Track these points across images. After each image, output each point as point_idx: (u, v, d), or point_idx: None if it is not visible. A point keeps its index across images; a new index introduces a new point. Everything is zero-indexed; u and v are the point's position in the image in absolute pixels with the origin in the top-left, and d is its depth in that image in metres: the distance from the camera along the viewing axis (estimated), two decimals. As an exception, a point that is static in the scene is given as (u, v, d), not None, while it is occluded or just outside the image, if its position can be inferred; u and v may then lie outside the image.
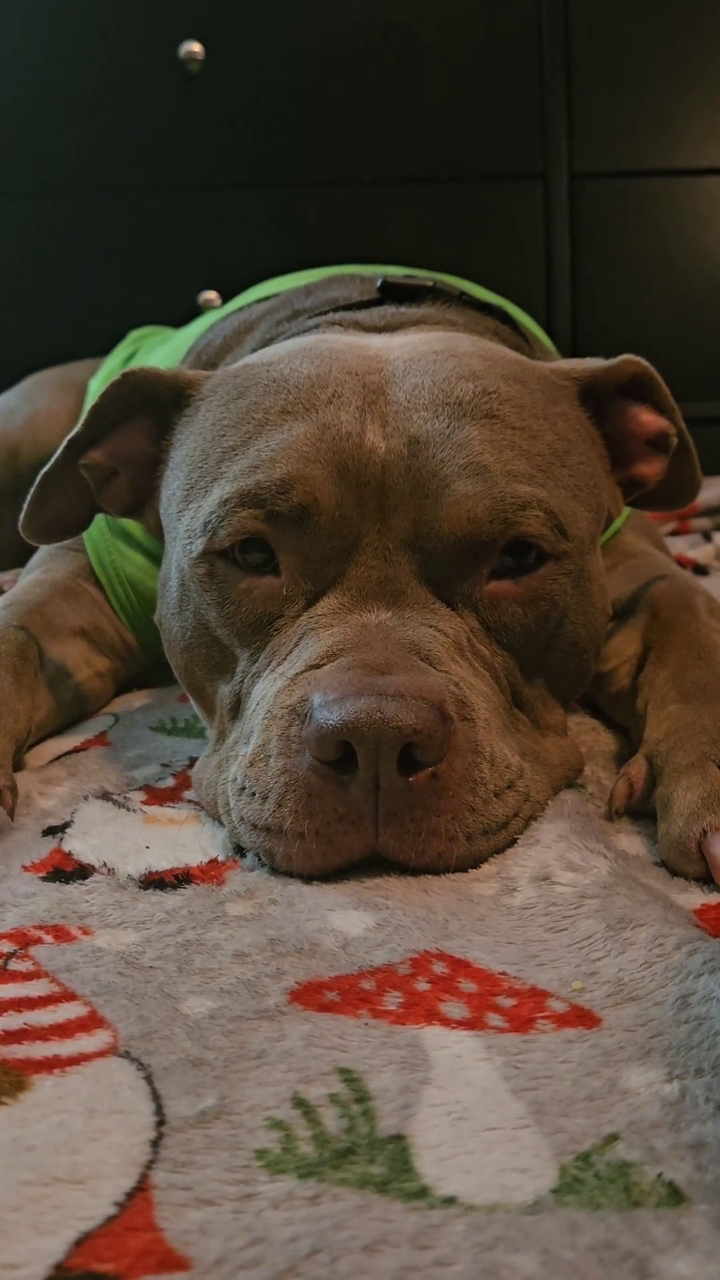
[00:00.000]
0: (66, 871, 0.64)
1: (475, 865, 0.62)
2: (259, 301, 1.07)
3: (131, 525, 0.98)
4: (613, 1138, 0.41)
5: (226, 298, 1.83)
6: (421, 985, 0.51)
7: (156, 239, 2.01)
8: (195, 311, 1.90)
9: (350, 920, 0.57)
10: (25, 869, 0.65)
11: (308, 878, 0.61)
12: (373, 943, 0.55)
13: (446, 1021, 0.49)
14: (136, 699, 1.01)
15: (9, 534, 1.35)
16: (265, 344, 0.95)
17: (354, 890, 0.60)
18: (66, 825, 0.70)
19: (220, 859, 0.65)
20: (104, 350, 1.60)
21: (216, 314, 1.14)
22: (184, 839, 0.68)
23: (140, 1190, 0.39)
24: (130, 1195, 0.39)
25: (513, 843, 0.65)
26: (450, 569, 0.68)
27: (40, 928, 0.58)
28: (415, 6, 2.00)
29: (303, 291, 1.03)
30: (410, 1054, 0.46)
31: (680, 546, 1.55)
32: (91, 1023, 0.49)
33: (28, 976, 0.53)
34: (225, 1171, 0.40)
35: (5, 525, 1.40)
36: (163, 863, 0.65)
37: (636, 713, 0.78)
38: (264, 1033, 0.48)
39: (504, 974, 0.52)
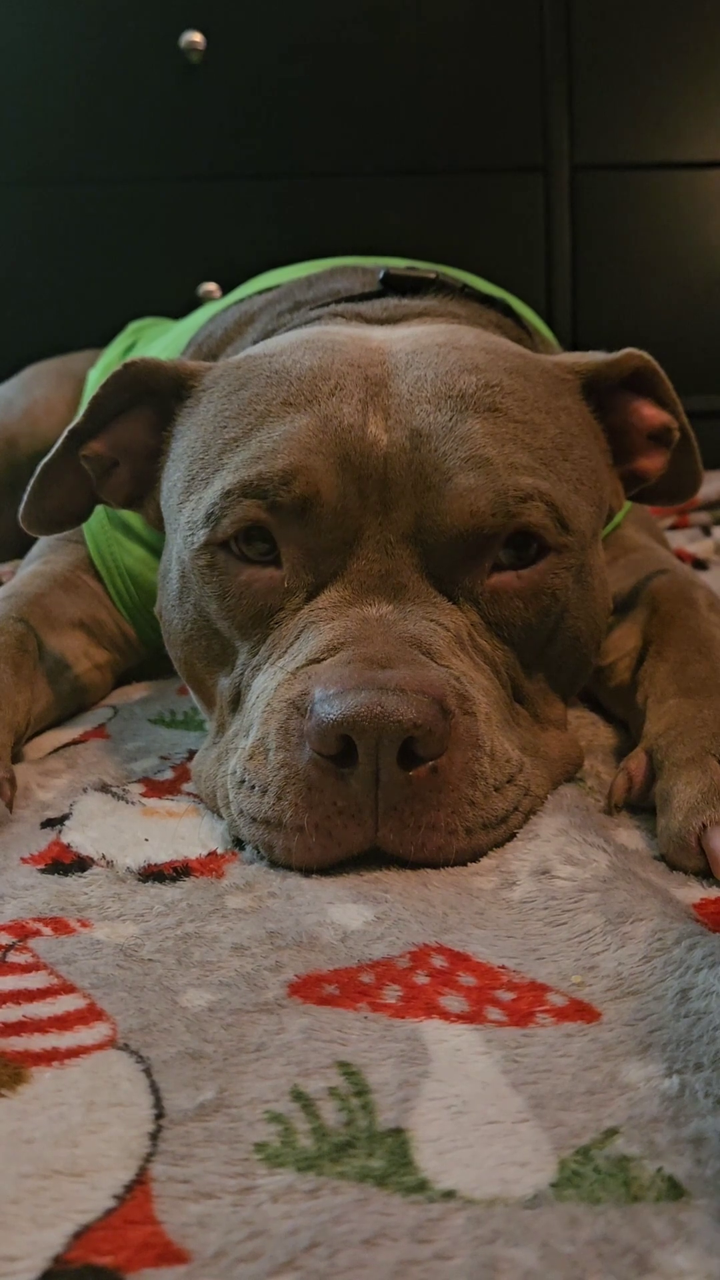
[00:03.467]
0: (65, 864, 0.64)
1: (475, 859, 0.62)
2: (260, 293, 1.07)
3: (131, 517, 0.97)
4: (612, 1132, 0.41)
5: (226, 289, 1.83)
6: (421, 979, 0.51)
7: (156, 230, 2.01)
8: (195, 303, 1.90)
9: (349, 913, 0.57)
10: (24, 861, 0.65)
11: (307, 871, 0.61)
12: (372, 936, 0.55)
13: (446, 1015, 0.49)
14: (135, 691, 1.01)
15: (8, 525, 1.35)
16: (267, 335, 0.95)
17: (353, 883, 0.60)
18: (65, 817, 0.70)
19: (219, 852, 0.65)
20: (103, 341, 1.60)
21: (217, 305, 1.13)
22: (183, 832, 0.68)
23: (139, 1183, 0.39)
24: (129, 1188, 0.39)
25: (512, 837, 0.65)
26: (452, 562, 0.68)
27: (39, 920, 0.58)
28: (417, -3, 1.99)
29: (304, 283, 1.03)
30: (409, 1047, 0.46)
31: (680, 541, 1.55)
32: (90, 1015, 0.49)
33: (26, 969, 0.53)
34: (224, 1164, 0.40)
35: (4, 516, 1.40)
36: (162, 855, 0.65)
37: (636, 707, 0.78)
38: (263, 1026, 0.48)
39: (503, 968, 0.52)
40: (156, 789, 0.75)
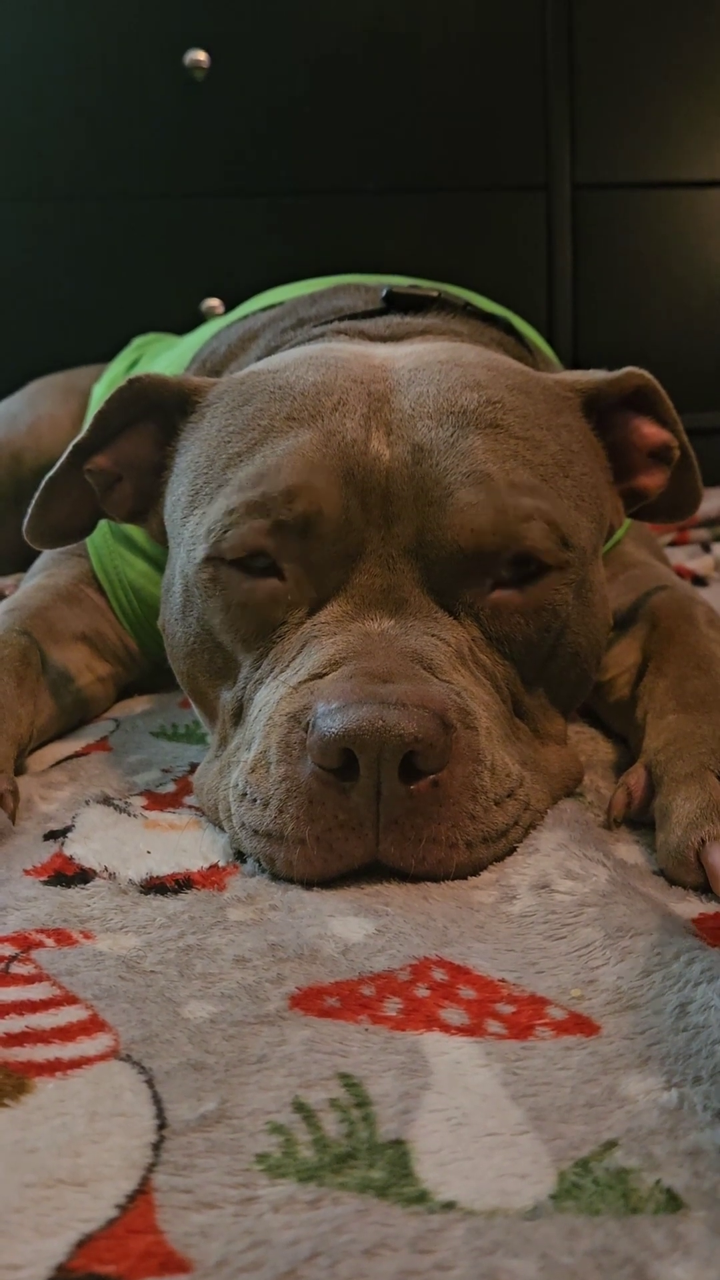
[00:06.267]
0: (68, 876, 0.65)
1: (475, 873, 0.62)
2: (263, 310, 1.07)
3: (134, 531, 0.98)
4: (611, 1144, 0.41)
5: (229, 306, 1.84)
6: (421, 991, 0.52)
7: (160, 246, 2.02)
8: (198, 319, 1.91)
9: (350, 926, 0.57)
10: (27, 873, 0.65)
11: (308, 884, 0.62)
12: (373, 949, 0.55)
13: (446, 1028, 0.49)
14: (138, 704, 1.01)
15: (12, 538, 1.35)
16: (270, 352, 0.95)
17: (354, 896, 0.60)
18: (68, 830, 0.71)
19: (221, 864, 0.66)
20: (107, 357, 1.61)
21: (221, 322, 1.14)
22: (185, 844, 0.68)
23: (142, 1193, 0.39)
24: (132, 1198, 0.39)
25: (512, 851, 0.65)
26: (453, 577, 0.69)
27: (42, 931, 0.58)
28: (419, 16, 2.00)
29: (308, 300, 1.03)
30: (410, 1060, 0.46)
31: (679, 557, 1.55)
32: (93, 1026, 0.49)
33: (29, 980, 0.53)
34: (226, 1175, 0.40)
35: (8, 530, 1.40)
36: (164, 868, 0.65)
37: (635, 722, 0.78)
38: (265, 1037, 0.48)
39: (503, 981, 0.53)
40: (159, 802, 0.76)
